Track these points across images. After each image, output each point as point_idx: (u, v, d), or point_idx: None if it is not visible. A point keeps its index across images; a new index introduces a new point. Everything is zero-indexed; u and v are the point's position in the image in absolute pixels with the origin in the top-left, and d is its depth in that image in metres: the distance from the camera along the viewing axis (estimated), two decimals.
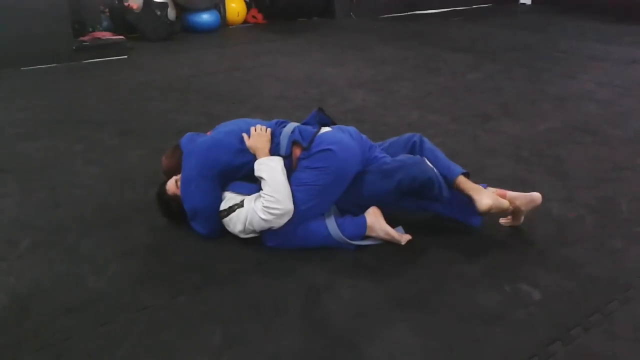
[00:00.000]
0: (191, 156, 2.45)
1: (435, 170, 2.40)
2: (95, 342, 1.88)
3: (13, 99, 4.60)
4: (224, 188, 2.44)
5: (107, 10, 6.86)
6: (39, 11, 5.61)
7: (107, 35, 6.27)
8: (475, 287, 2.17)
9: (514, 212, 2.52)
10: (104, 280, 2.22)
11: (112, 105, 4.45)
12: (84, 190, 2.98)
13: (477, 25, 8.22)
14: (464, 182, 2.46)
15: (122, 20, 6.90)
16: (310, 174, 2.33)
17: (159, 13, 7.00)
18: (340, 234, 2.35)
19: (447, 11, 9.63)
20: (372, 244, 2.42)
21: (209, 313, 2.03)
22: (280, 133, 2.47)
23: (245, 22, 8.27)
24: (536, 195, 2.48)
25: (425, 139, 2.61)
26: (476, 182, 2.51)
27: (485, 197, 2.39)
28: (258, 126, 2.49)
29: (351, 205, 2.47)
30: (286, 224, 2.30)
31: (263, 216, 2.25)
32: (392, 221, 2.44)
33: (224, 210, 2.37)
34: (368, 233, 2.40)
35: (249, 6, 8.33)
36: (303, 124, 2.58)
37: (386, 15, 9.08)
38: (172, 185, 2.51)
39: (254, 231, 2.35)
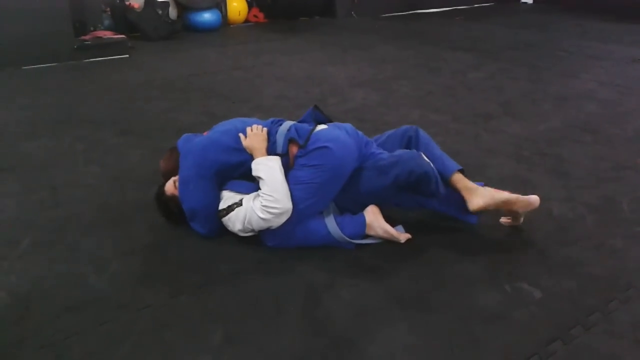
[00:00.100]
0: (188, 156, 2.45)
1: (432, 164, 2.40)
2: (96, 341, 1.89)
3: (14, 98, 4.60)
4: (222, 187, 2.45)
5: (108, 9, 6.87)
6: (40, 10, 5.61)
7: (108, 35, 6.27)
8: (476, 286, 2.18)
9: (512, 213, 2.52)
10: (104, 279, 2.22)
11: (113, 105, 4.45)
12: (84, 190, 2.99)
13: (479, 24, 8.21)
14: (458, 180, 2.46)
15: (124, 20, 6.91)
16: (307, 172, 2.33)
17: (160, 12, 7.01)
18: (340, 233, 2.35)
19: (449, 10, 9.62)
20: (372, 242, 2.42)
21: (209, 312, 2.03)
22: (276, 132, 2.47)
23: (246, 21, 8.27)
24: (534, 199, 2.47)
25: (421, 133, 2.60)
26: (476, 181, 2.51)
27: (477, 197, 2.39)
28: (254, 126, 2.49)
29: (349, 203, 2.47)
30: (285, 223, 2.30)
31: (262, 215, 2.25)
32: (391, 220, 2.44)
33: (223, 209, 2.37)
34: (367, 232, 2.40)
35: (250, 5, 8.33)
36: (299, 122, 2.58)
37: (387, 15, 9.08)
38: (170, 186, 2.51)
39: (252, 230, 2.35)
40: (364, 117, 4.05)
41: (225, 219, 2.37)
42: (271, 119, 2.59)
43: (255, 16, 8.35)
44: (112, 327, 1.95)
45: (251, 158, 2.39)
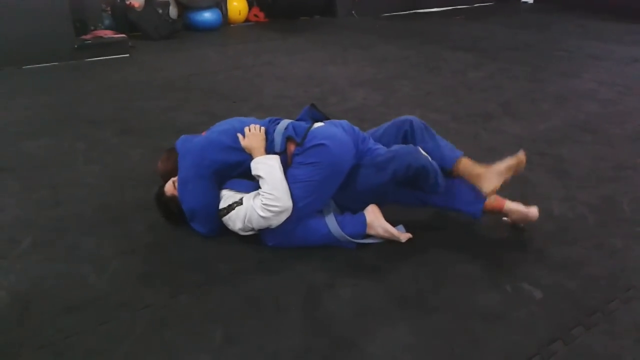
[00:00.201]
0: (187, 157, 2.46)
1: (430, 158, 2.39)
2: (96, 341, 1.89)
3: (14, 98, 4.60)
4: (221, 186, 2.45)
5: (108, 8, 6.86)
6: (40, 10, 5.60)
7: (108, 34, 6.27)
8: (476, 286, 2.18)
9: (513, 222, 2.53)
10: (104, 279, 2.22)
11: (114, 104, 4.45)
12: (85, 189, 2.99)
13: (479, 24, 8.21)
14: (462, 168, 2.47)
15: (124, 19, 6.90)
16: (305, 170, 2.33)
17: (160, 11, 7.00)
18: (341, 232, 2.35)
19: (449, 10, 9.62)
20: (373, 242, 2.42)
21: (209, 312, 2.03)
22: (274, 130, 2.47)
23: (246, 20, 8.27)
24: (533, 213, 2.46)
25: (416, 126, 2.58)
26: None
27: (487, 181, 2.39)
28: (252, 125, 2.49)
29: (349, 201, 2.47)
30: (285, 222, 2.30)
31: (262, 214, 2.25)
32: (392, 219, 2.44)
33: (224, 208, 2.37)
34: (368, 231, 2.40)
35: (250, 5, 8.32)
36: (297, 120, 2.58)
37: (388, 14, 9.07)
38: (169, 186, 2.51)
39: (252, 229, 2.35)
40: (365, 117, 4.05)
41: (225, 218, 2.37)
42: (269, 118, 2.59)
43: (255, 15, 8.34)
44: (112, 327, 1.95)
45: (250, 158, 2.39)
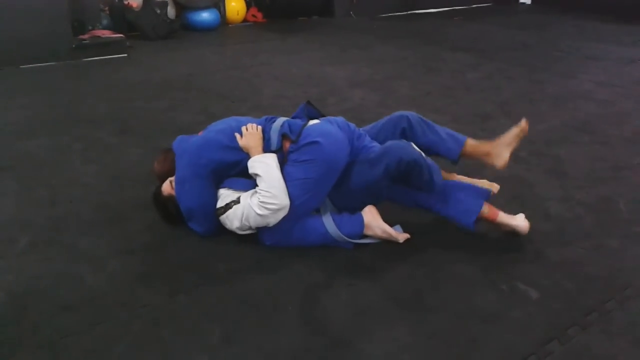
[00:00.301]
0: (184, 156, 2.46)
1: (423, 154, 2.39)
2: (93, 340, 1.89)
3: (12, 97, 4.59)
4: (218, 186, 2.45)
5: (106, 8, 6.85)
6: (38, 9, 5.59)
7: (106, 34, 6.26)
8: (473, 286, 2.18)
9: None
10: (102, 278, 2.22)
11: (112, 104, 4.45)
12: (82, 189, 2.99)
13: (477, 25, 8.22)
14: (471, 152, 2.61)
15: (122, 19, 6.89)
16: (300, 168, 2.33)
17: (158, 11, 6.99)
18: (338, 232, 2.36)
19: (447, 10, 9.62)
20: (370, 242, 2.43)
21: (207, 311, 2.03)
22: (270, 129, 2.47)
23: (245, 20, 8.26)
24: (523, 227, 2.45)
25: (414, 122, 2.59)
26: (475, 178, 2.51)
27: (497, 157, 2.56)
28: (249, 125, 2.49)
29: (345, 200, 2.47)
30: (282, 220, 2.30)
31: (259, 212, 2.25)
32: (390, 220, 2.44)
33: (221, 207, 2.37)
34: (366, 232, 2.40)
35: (248, 5, 8.32)
36: (292, 117, 2.58)
37: (386, 15, 9.07)
38: (167, 186, 2.52)
39: (250, 227, 2.35)
40: (363, 117, 4.05)
41: (223, 217, 2.37)
42: (265, 117, 2.58)
43: (253, 16, 8.34)
44: (110, 327, 1.95)
45: (247, 157, 2.39)
